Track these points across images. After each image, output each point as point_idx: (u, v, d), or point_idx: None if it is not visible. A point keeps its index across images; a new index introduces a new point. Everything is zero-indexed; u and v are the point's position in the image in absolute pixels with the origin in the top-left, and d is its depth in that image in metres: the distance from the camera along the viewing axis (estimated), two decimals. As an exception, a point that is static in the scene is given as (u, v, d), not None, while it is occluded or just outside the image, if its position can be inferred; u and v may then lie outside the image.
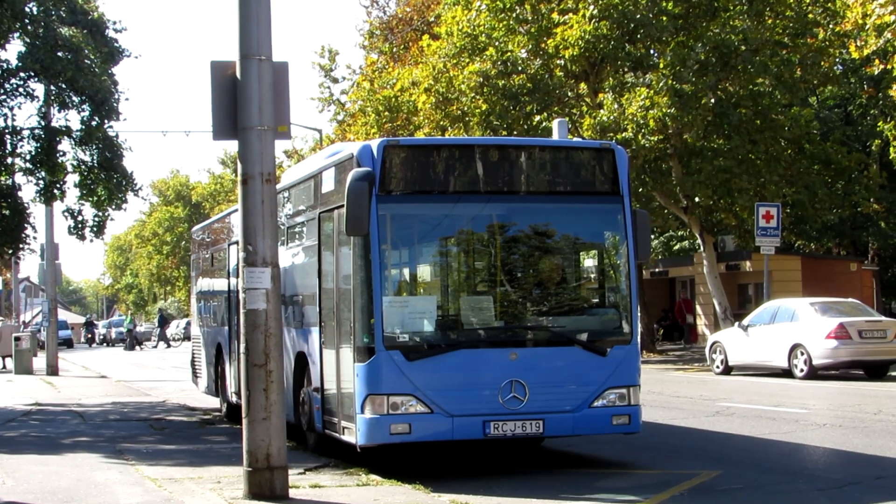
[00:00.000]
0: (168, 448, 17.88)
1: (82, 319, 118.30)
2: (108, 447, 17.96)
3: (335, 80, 63.67)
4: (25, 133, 27.99)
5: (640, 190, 38.71)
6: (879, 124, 44.15)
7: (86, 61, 27.01)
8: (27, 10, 26.50)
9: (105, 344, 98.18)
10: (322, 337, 15.73)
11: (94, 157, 28.36)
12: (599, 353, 14.69)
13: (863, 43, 33.52)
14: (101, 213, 29.38)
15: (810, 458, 16.20)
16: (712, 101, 37.09)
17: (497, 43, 39.67)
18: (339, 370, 14.95)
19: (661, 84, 35.65)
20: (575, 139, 24.68)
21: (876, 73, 42.63)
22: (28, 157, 27.92)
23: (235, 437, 17.30)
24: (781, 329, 31.00)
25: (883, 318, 33.00)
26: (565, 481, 14.08)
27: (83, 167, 28.59)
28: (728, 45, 36.20)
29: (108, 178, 28.43)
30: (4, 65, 27.41)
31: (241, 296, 12.64)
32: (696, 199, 40.10)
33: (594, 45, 37.57)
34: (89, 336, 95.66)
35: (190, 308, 33.41)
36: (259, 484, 12.46)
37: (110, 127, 28.23)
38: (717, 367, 33.49)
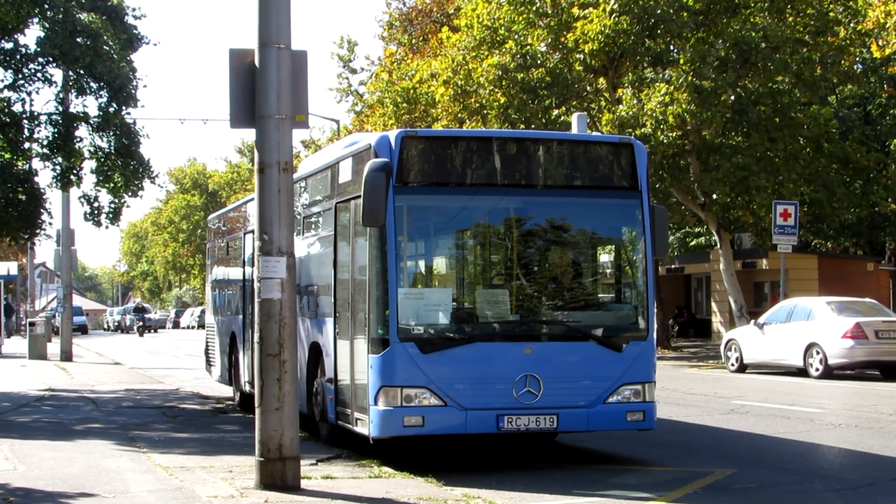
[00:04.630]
0: (180, 436, 17.85)
1: (104, 307, 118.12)
2: (121, 434, 17.94)
3: (354, 71, 63.69)
4: (43, 118, 27.98)
5: (658, 186, 38.59)
6: (899, 124, 44.00)
7: (104, 48, 26.98)
8: (47, -6, 26.47)
9: (120, 331, 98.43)
10: (336, 327, 15.66)
11: (111, 144, 28.31)
12: (615, 349, 14.63)
13: (884, 42, 33.33)
14: (117, 200, 29.34)
15: (825, 459, 16.11)
16: (732, 98, 36.95)
17: (516, 36, 39.63)
18: (354, 361, 14.89)
19: (680, 80, 35.53)
20: (594, 133, 24.61)
21: (896, 72, 42.50)
22: (45, 143, 27.89)
23: (248, 427, 17.26)
24: (797, 328, 30.90)
25: (900, 318, 32.83)
26: (578, 477, 14.02)
27: (100, 153, 28.55)
28: (748, 42, 36.06)
29: (125, 165, 28.37)
30: (23, 50, 27.37)
31: (256, 285, 12.59)
32: (714, 196, 40.00)
33: (614, 39, 37.50)
34: (140, 324, 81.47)
35: (205, 296, 33.39)
36: (271, 474, 12.41)
37: (128, 114, 28.20)
38: (732, 364, 33.41)
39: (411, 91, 43.74)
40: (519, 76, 38.74)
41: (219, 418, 20.90)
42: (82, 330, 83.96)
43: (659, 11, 36.71)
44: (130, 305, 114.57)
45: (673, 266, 55.16)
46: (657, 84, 36.24)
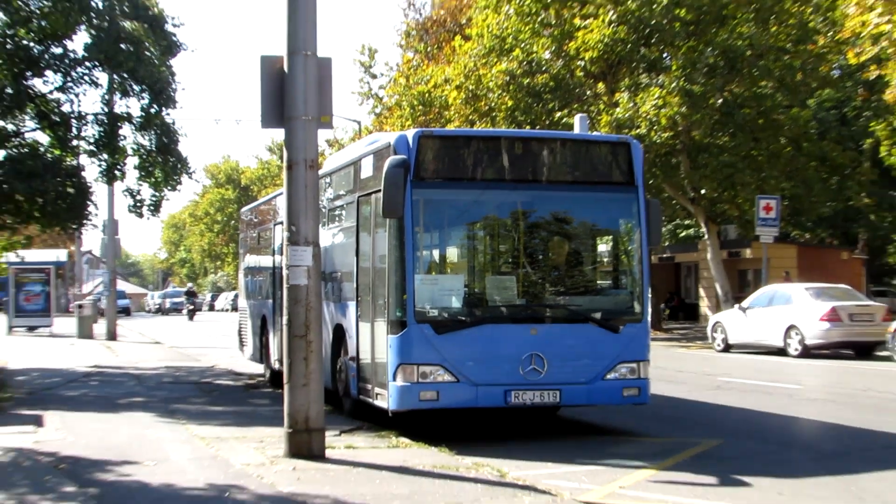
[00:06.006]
0: (215, 409, 17.86)
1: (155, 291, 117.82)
2: (161, 407, 17.95)
3: (374, 76, 63.52)
4: (90, 118, 27.91)
5: (651, 182, 38.51)
6: (872, 125, 43.82)
7: (146, 53, 26.92)
8: (93, 4, 26.34)
9: (160, 313, 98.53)
10: (358, 311, 15.66)
11: (152, 142, 28.29)
12: (613, 331, 14.61)
13: (860, 50, 33.15)
14: (157, 193, 29.34)
15: (804, 430, 16.08)
16: (719, 101, 36.87)
17: (523, 45, 39.58)
18: (374, 341, 14.89)
19: (672, 85, 35.46)
20: (594, 133, 24.53)
21: (871, 77, 42.28)
22: (92, 141, 27.84)
23: (277, 401, 17.24)
24: (778, 311, 30.86)
25: (871, 302, 32.86)
26: (579, 447, 14.01)
27: (142, 151, 28.53)
28: (735, 50, 35.98)
29: (165, 162, 28.37)
30: (72, 54, 27.30)
31: (285, 272, 12.58)
32: (703, 192, 40.02)
33: (612, 48, 37.46)
34: (191, 307, 73.73)
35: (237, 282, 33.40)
36: (298, 444, 12.41)
37: (167, 114, 28.14)
38: (718, 345, 33.36)
39: (426, 95, 43.68)
40: (525, 81, 38.69)
41: (250, 393, 20.91)
42: (125, 312, 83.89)
43: (653, 22, 36.65)
44: (171, 290, 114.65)
45: (664, 255, 55.11)
46: (651, 88, 36.17)
